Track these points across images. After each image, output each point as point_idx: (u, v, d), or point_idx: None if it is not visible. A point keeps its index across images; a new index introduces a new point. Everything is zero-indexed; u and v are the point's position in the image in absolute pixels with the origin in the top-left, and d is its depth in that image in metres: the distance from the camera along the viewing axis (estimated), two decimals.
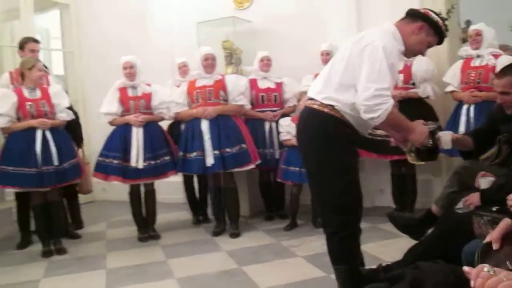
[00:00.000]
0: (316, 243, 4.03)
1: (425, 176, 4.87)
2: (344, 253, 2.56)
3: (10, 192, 4.97)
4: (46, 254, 4.28)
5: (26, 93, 4.25)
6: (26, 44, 4.71)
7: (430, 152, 2.50)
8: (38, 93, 4.30)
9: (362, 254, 2.74)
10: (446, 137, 2.56)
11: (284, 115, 4.91)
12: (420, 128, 2.44)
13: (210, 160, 4.37)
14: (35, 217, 4.36)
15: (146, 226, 4.65)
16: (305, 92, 4.57)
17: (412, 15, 2.52)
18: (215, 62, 4.57)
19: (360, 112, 2.32)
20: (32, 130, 4.18)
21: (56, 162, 4.19)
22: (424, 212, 3.05)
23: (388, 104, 2.25)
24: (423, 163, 2.67)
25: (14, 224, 4.98)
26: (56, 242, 4.38)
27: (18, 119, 4.22)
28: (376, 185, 5.19)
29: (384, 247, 3.81)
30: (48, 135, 4.22)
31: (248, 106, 4.73)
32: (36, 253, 4.41)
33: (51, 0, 6.86)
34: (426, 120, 2.63)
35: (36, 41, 4.82)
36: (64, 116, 4.40)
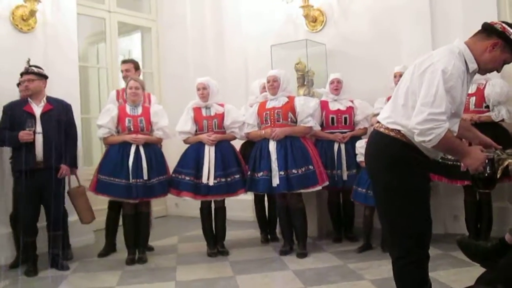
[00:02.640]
0: (384, 267, 3.94)
1: (502, 203, 4.67)
2: (410, 279, 2.50)
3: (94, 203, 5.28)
4: (130, 262, 4.53)
5: (128, 109, 4.61)
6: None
7: (487, 181, 2.40)
8: (139, 110, 4.62)
9: (430, 281, 2.68)
10: None
11: (355, 137, 4.92)
12: (475, 154, 2.36)
13: (276, 181, 4.44)
14: (124, 226, 4.62)
15: (215, 242, 4.77)
16: (375, 114, 4.59)
17: (487, 30, 2.41)
18: (276, 84, 4.62)
19: (414, 135, 2.30)
20: (128, 144, 4.51)
21: (145, 177, 4.45)
22: (497, 240, 2.94)
23: (442, 129, 2.20)
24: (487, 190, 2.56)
25: (93, 233, 5.33)
26: (140, 251, 4.62)
27: (119, 133, 4.58)
28: (450, 211, 5.02)
29: (455, 275, 3.68)
30: (141, 150, 4.50)
31: (317, 128, 4.76)
32: (114, 261, 4.67)
33: (134, 24, 7.27)
34: (501, 145, 2.56)
35: (125, 61, 5.25)
36: (161, 134, 4.67)
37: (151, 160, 4.54)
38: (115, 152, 4.53)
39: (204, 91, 4.68)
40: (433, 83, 2.25)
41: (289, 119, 4.59)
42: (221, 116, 4.71)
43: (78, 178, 4.75)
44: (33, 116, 4.32)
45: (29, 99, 4.40)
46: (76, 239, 5.05)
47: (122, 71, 5.20)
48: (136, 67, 5.21)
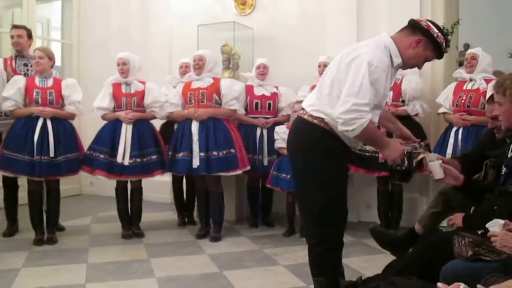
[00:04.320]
0: (299, 253, 4.03)
1: (412, 194, 4.90)
2: (325, 265, 2.55)
3: None
4: (38, 242, 4.30)
5: (37, 81, 4.33)
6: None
7: (403, 173, 2.46)
8: (49, 82, 4.36)
9: (343, 267, 2.75)
10: (435, 167, 2.45)
11: (277, 123, 4.93)
12: (394, 146, 2.43)
13: (196, 162, 4.37)
14: (30, 204, 4.36)
15: (130, 224, 4.64)
16: (298, 101, 4.63)
17: (413, 26, 2.47)
18: (202, 63, 4.54)
19: (337, 124, 2.33)
20: (35, 118, 4.23)
21: (51, 154, 4.21)
22: (407, 230, 3.07)
23: (364, 120, 2.25)
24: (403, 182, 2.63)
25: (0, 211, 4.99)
26: (49, 231, 4.40)
27: (26, 106, 4.29)
28: (363, 200, 5.20)
29: (366, 262, 3.82)
30: (49, 125, 4.24)
31: (241, 111, 4.73)
32: (20, 241, 4.41)
33: None
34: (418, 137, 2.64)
35: (16, 26, 4.85)
36: (73, 109, 4.41)
37: (59, 136, 4.28)
38: (21, 126, 4.25)
39: (124, 67, 4.50)
40: (359, 75, 2.28)
41: (214, 101, 4.52)
42: (141, 94, 4.55)
43: None
44: None
45: None
46: None
47: (12, 36, 4.75)
48: (29, 35, 4.81)
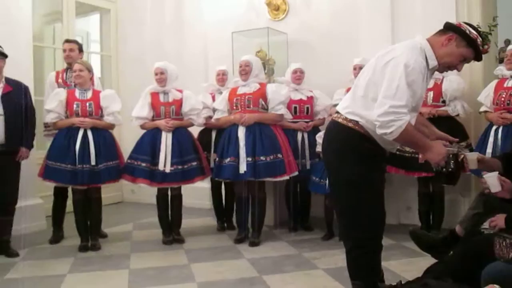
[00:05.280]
0: (338, 256, 4.00)
1: (454, 195, 4.80)
2: (362, 269, 2.54)
3: (44, 188, 5.15)
4: (82, 249, 4.43)
5: (76, 93, 4.49)
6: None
7: (449, 176, 2.43)
8: (88, 94, 4.50)
9: (383, 271, 2.72)
10: (471, 157, 2.47)
11: (315, 127, 4.95)
12: (437, 148, 2.38)
13: (243, 167, 4.39)
14: (75, 212, 4.51)
15: (171, 230, 4.72)
16: (334, 105, 4.61)
17: (445, 27, 2.47)
18: (248, 69, 4.58)
19: (375, 127, 2.31)
20: (75, 129, 4.39)
21: (92, 162, 4.34)
22: (447, 232, 3.01)
23: (402, 122, 2.22)
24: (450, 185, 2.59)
25: (46, 219, 5.21)
26: (92, 238, 4.53)
27: (67, 117, 4.46)
28: (403, 202, 5.13)
29: (407, 265, 3.76)
30: (89, 135, 4.39)
31: (288, 116, 4.71)
32: (65, 248, 4.57)
33: (92, 5, 7.06)
34: (456, 138, 2.60)
35: (69, 41, 5.03)
36: (111, 119, 4.54)
37: (100, 145, 4.42)
38: (62, 137, 4.41)
39: (161, 76, 4.58)
40: (395, 77, 2.26)
41: (260, 106, 4.55)
42: (179, 103, 4.63)
43: None
44: None
45: None
46: (27, 225, 4.90)
47: (64, 50, 4.97)
48: (80, 49, 5.01)
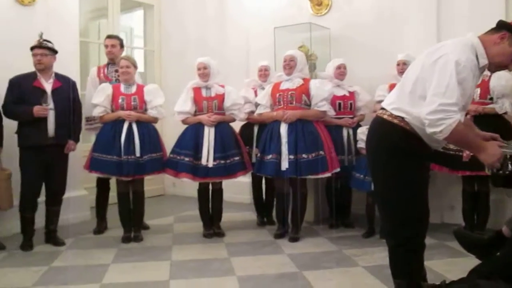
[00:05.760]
0: (379, 254, 3.98)
1: (499, 195, 4.67)
2: (405, 267, 2.51)
3: (88, 180, 5.30)
4: (125, 240, 4.55)
5: (122, 88, 4.60)
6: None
7: (506, 178, 2.32)
8: (133, 89, 4.61)
9: (425, 270, 2.68)
10: None
11: (357, 123, 4.92)
12: (492, 149, 2.30)
13: (285, 164, 4.38)
14: (119, 204, 4.62)
15: (211, 223, 4.77)
16: (378, 101, 4.56)
17: (498, 25, 2.40)
18: (293, 64, 4.55)
19: (424, 125, 2.27)
20: (121, 122, 4.49)
21: (137, 154, 4.44)
22: (493, 232, 2.94)
23: (452, 120, 2.17)
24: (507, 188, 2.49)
25: (91, 210, 5.40)
26: (135, 230, 4.64)
27: (112, 111, 4.58)
28: (447, 201, 5.03)
29: (450, 265, 3.69)
30: (134, 127, 4.48)
31: (331, 113, 4.67)
32: (109, 239, 4.69)
33: (136, 1, 7.20)
34: (503, 137, 2.52)
35: (111, 36, 5.16)
36: (155, 113, 4.63)
37: (144, 137, 4.51)
38: (108, 130, 4.53)
39: (204, 71, 4.63)
40: (446, 74, 2.22)
41: (303, 102, 4.52)
42: (221, 97, 4.66)
43: (1, 161, 4.51)
44: (45, 92, 4.30)
45: (38, 74, 4.37)
46: (72, 215, 5.05)
47: (106, 46, 5.08)
48: (122, 45, 5.13)
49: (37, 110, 4.19)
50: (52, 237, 4.50)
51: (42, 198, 4.49)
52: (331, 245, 4.40)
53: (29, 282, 3.52)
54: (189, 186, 5.18)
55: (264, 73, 5.16)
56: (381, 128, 2.49)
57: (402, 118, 2.38)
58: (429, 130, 2.23)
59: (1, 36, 4.74)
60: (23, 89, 4.29)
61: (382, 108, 2.51)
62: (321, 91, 4.51)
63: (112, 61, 4.99)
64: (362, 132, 4.51)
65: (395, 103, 2.43)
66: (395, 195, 2.44)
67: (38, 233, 4.50)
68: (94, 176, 4.78)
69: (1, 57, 4.66)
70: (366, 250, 4.19)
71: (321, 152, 4.41)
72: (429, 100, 2.23)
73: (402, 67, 4.72)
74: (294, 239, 4.50)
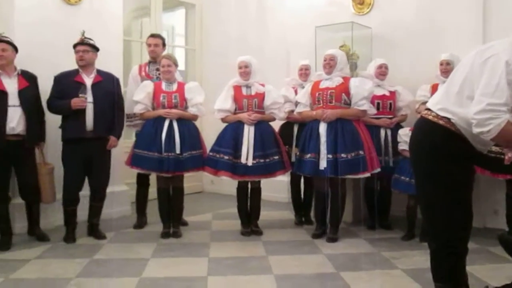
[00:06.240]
0: (419, 257, 3.92)
1: None
2: (446, 271, 2.47)
3: (128, 176, 5.41)
4: (164, 235, 4.62)
5: (163, 85, 4.68)
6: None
7: None
8: (174, 87, 4.68)
9: (467, 275, 2.63)
10: None
11: (397, 123, 4.87)
12: None
13: (323, 164, 4.36)
14: (159, 200, 4.70)
15: (249, 221, 4.80)
16: (423, 102, 4.48)
17: None
18: (333, 63, 4.52)
19: (471, 126, 2.21)
20: (162, 119, 4.57)
21: (178, 151, 4.50)
22: None
23: (501, 120, 2.12)
24: None
25: (131, 205, 5.52)
26: (174, 226, 4.71)
27: (154, 109, 4.67)
28: (490, 205, 4.90)
29: (492, 271, 3.60)
30: (175, 125, 4.55)
31: (371, 112, 4.62)
32: (149, 234, 4.78)
33: (178, 0, 7.28)
34: None
35: (154, 36, 5.23)
36: (195, 110, 4.69)
37: (184, 134, 4.57)
38: (150, 127, 4.60)
39: (245, 69, 4.65)
40: (495, 74, 2.17)
41: (343, 101, 4.48)
42: (262, 96, 4.68)
43: (44, 155, 4.65)
44: (84, 85, 4.42)
45: (80, 70, 4.49)
46: (113, 209, 5.17)
47: (149, 45, 5.15)
48: (164, 44, 5.20)
49: (74, 101, 4.31)
50: (94, 231, 4.63)
51: (86, 192, 4.62)
52: (369, 246, 4.36)
53: (72, 273, 3.62)
54: (227, 184, 5.22)
55: (304, 72, 5.15)
56: (425, 129, 2.44)
57: (448, 119, 2.34)
58: (476, 130, 2.19)
59: (49, 35, 4.90)
60: (65, 84, 4.42)
61: (427, 109, 2.46)
62: (361, 90, 4.46)
63: (153, 60, 5.07)
64: (405, 134, 4.45)
65: (441, 104, 2.38)
66: (439, 198, 2.40)
67: (81, 226, 4.63)
68: (135, 172, 4.87)
69: (49, 55, 4.81)
70: (405, 253, 4.13)
71: (361, 152, 4.36)
72: (477, 100, 2.18)
73: (445, 67, 4.64)
74: (332, 240, 4.47)
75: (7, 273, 3.61)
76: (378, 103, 4.86)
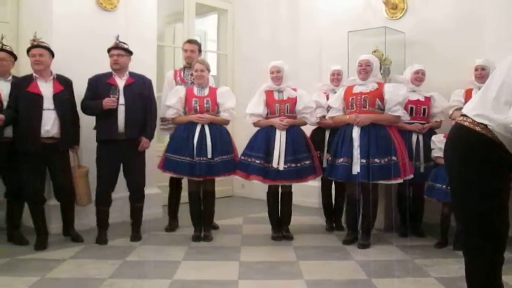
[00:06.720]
0: (452, 266, 3.85)
1: None
2: (482, 281, 2.41)
3: (160, 179, 5.48)
4: (196, 238, 4.67)
5: (195, 90, 4.73)
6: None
7: None
8: (206, 92, 4.73)
9: (503, 285, 2.57)
10: None
11: (430, 129, 4.80)
12: None
13: (356, 168, 4.33)
14: (190, 203, 4.75)
15: (280, 226, 4.80)
16: (457, 108, 4.41)
17: None
18: (369, 69, 4.50)
19: (510, 132, 2.17)
20: (193, 123, 4.62)
21: (209, 155, 4.54)
22: None
23: None
24: None
25: (163, 208, 5.59)
26: (205, 229, 4.74)
27: (186, 113, 4.72)
28: None
29: None
30: (206, 130, 4.60)
31: (405, 118, 4.57)
32: (180, 237, 4.83)
33: (210, 5, 7.37)
34: None
35: (191, 41, 5.32)
36: (227, 115, 4.73)
37: (216, 139, 4.60)
38: (181, 131, 4.65)
39: (277, 74, 4.67)
40: None
41: (376, 106, 4.45)
42: (294, 101, 4.69)
43: (79, 158, 4.74)
44: (116, 86, 4.51)
45: (113, 72, 4.59)
46: (145, 212, 5.23)
47: (185, 50, 5.22)
48: (200, 50, 5.27)
49: (106, 101, 4.40)
50: (134, 232, 4.70)
51: (122, 194, 4.71)
52: (401, 253, 4.31)
53: (105, 274, 3.69)
54: (257, 188, 5.24)
55: (336, 77, 5.13)
56: (461, 135, 2.40)
57: (485, 125, 2.29)
58: None
59: (85, 39, 5.03)
60: (98, 86, 4.52)
61: (463, 115, 2.42)
62: (395, 96, 4.43)
63: (189, 65, 5.14)
64: (439, 140, 4.39)
65: (478, 109, 2.34)
66: (474, 206, 2.36)
67: (115, 227, 4.71)
68: (167, 175, 4.93)
69: (85, 60, 4.92)
70: (439, 261, 4.06)
71: (394, 158, 4.32)
72: None
73: (480, 72, 4.57)
74: (364, 246, 4.44)
75: (44, 272, 3.71)
76: (412, 108, 4.80)
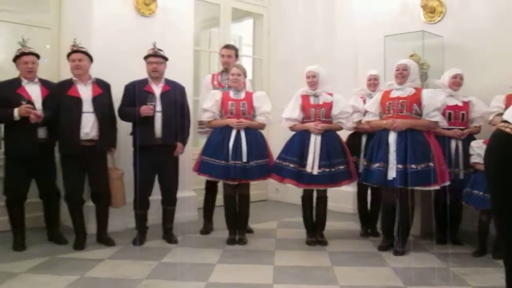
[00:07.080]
0: (492, 275, 3.76)
1: None
2: None
3: (196, 182, 5.54)
4: (230, 241, 4.71)
5: (231, 94, 4.78)
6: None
7: None
8: (242, 95, 4.77)
9: None
10: None
11: (469, 135, 4.71)
12: None
13: (392, 173, 4.28)
14: (225, 207, 4.80)
15: (314, 231, 4.78)
16: (497, 114, 4.31)
17: None
18: (406, 73, 4.45)
19: None
20: (229, 127, 4.66)
21: (244, 159, 4.57)
22: None
23: None
24: None
25: (198, 211, 5.65)
26: (240, 233, 4.77)
27: (221, 116, 4.77)
28: None
29: None
30: (242, 134, 4.63)
31: (443, 123, 4.50)
32: (215, 240, 4.87)
33: (246, 10, 7.41)
34: None
35: (228, 47, 5.37)
36: (263, 119, 4.76)
37: (251, 143, 4.63)
38: (217, 135, 4.69)
39: (313, 79, 4.67)
40: None
41: (414, 111, 4.40)
42: (329, 105, 4.67)
43: (115, 161, 4.80)
44: (153, 94, 4.59)
45: (149, 79, 4.67)
46: (180, 214, 5.31)
47: (222, 55, 5.28)
48: (237, 55, 5.32)
49: (143, 109, 4.49)
50: (167, 234, 4.77)
51: (158, 196, 4.79)
52: (438, 261, 4.23)
53: (141, 275, 3.76)
54: (292, 193, 5.23)
55: (373, 82, 5.09)
56: (502, 142, 2.35)
57: None
58: None
59: (124, 44, 5.15)
60: (135, 93, 4.60)
61: (504, 121, 2.37)
62: (434, 101, 4.36)
63: (226, 70, 5.19)
64: (478, 146, 4.30)
65: None
66: None
67: (151, 229, 4.80)
68: (202, 178, 4.98)
69: (123, 63, 5.04)
70: (477, 269, 3.98)
71: (431, 164, 4.25)
72: None
73: None
74: (400, 253, 4.38)
75: (82, 271, 3.80)
76: (450, 114, 4.72)
